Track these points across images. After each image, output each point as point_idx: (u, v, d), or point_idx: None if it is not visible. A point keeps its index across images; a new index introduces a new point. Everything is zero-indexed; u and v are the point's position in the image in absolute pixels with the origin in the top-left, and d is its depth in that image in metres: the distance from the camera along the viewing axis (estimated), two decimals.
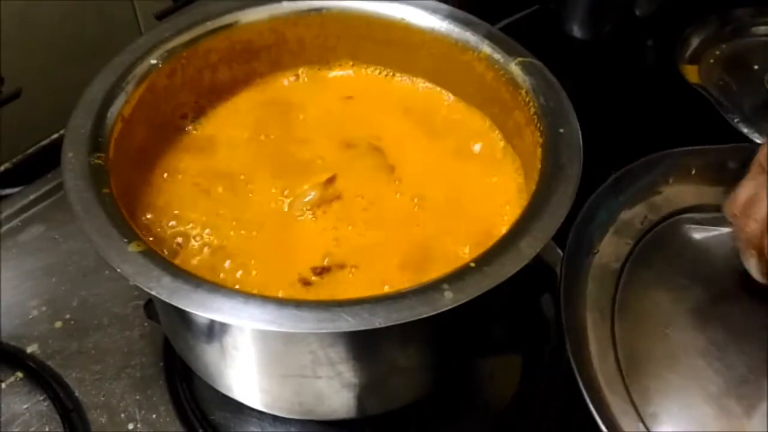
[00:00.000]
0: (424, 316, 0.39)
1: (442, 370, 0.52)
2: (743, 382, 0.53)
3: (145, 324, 0.62)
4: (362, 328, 0.38)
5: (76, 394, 0.59)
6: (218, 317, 0.39)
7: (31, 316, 0.63)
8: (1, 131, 0.79)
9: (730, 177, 0.62)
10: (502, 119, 0.55)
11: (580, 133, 0.49)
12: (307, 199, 0.52)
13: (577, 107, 0.90)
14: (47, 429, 0.56)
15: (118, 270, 0.40)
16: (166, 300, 0.39)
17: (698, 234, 0.62)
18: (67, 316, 0.63)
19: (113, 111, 0.49)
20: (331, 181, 0.53)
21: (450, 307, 0.39)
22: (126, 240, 0.42)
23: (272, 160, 0.55)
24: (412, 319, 0.38)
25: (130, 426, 0.57)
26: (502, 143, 0.56)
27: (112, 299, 0.64)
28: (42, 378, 0.59)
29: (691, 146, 0.64)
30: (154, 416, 0.57)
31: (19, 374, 0.59)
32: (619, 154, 0.70)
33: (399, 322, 0.38)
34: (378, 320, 0.38)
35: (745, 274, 0.57)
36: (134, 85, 0.51)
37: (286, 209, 0.52)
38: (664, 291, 0.58)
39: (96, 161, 0.46)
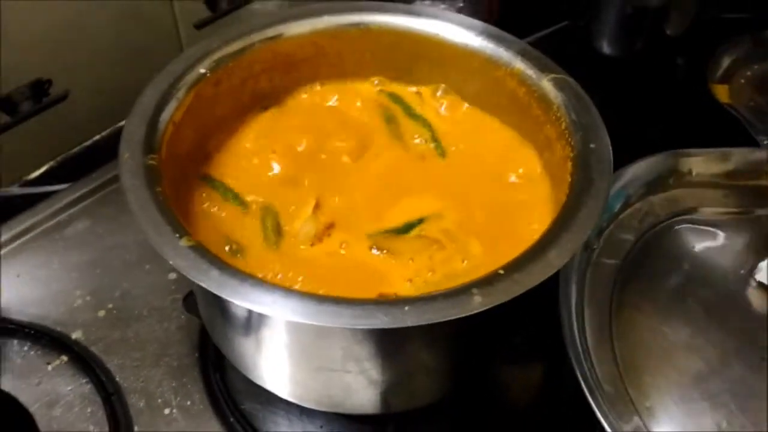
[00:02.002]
0: (453, 317, 0.41)
1: (466, 372, 0.55)
2: (740, 381, 0.55)
3: (182, 316, 0.65)
4: (394, 326, 0.41)
5: (117, 378, 0.62)
6: (260, 309, 0.42)
7: (76, 305, 0.66)
8: (48, 131, 0.83)
9: (730, 179, 0.66)
10: (533, 133, 0.58)
11: (610, 148, 0.51)
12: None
13: (605, 124, 0.92)
14: (89, 410, 0.59)
15: (172, 263, 0.43)
16: (215, 292, 0.42)
17: (698, 235, 0.65)
18: (110, 306, 0.66)
19: (165, 116, 0.53)
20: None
21: (478, 311, 0.41)
22: (178, 235, 0.45)
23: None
24: (442, 320, 0.41)
25: (166, 411, 0.60)
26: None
27: (151, 292, 0.67)
28: (85, 362, 0.62)
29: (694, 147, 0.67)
30: (188, 403, 0.61)
31: (64, 358, 0.62)
32: None
33: (429, 322, 0.41)
34: (410, 319, 0.41)
35: (744, 277, 0.60)
36: (184, 92, 0.55)
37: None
38: (663, 289, 0.60)
39: (150, 162, 0.49)
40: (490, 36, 0.59)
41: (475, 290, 0.42)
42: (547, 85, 0.55)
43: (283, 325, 0.46)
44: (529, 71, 0.56)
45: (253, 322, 0.48)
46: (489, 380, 0.62)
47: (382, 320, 0.41)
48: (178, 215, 0.47)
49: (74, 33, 0.82)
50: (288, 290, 0.42)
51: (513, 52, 0.57)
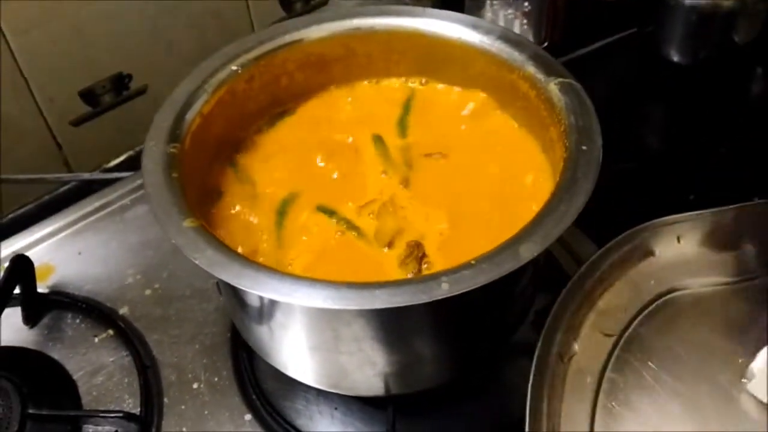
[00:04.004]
0: (420, 302, 0.43)
1: (455, 362, 0.56)
2: None
3: (220, 299, 0.70)
4: (364, 307, 0.44)
5: (154, 353, 0.67)
6: (240, 285, 0.45)
7: (127, 283, 0.72)
8: (127, 123, 0.90)
9: (721, 244, 0.58)
10: (542, 134, 0.59)
11: (601, 151, 0.51)
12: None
13: (669, 130, 0.91)
14: (126, 380, 0.65)
15: (173, 241, 0.48)
16: (206, 268, 0.46)
17: (687, 320, 0.55)
18: (157, 286, 0.72)
19: (194, 109, 0.57)
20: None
21: (445, 296, 0.43)
22: (183, 216, 0.49)
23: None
24: (409, 304, 0.43)
25: (195, 385, 0.65)
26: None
27: (195, 275, 0.72)
28: (128, 337, 0.67)
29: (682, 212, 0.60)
30: (216, 379, 0.65)
31: (110, 331, 0.68)
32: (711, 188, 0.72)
33: (396, 305, 0.43)
34: (379, 302, 0.43)
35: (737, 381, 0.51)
36: (215, 87, 0.59)
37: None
38: (651, 402, 0.51)
39: (172, 150, 0.54)
40: (507, 41, 0.60)
41: (444, 278, 0.44)
42: (553, 88, 0.56)
43: (276, 304, 0.50)
44: (539, 75, 0.57)
45: (253, 302, 0.52)
46: (492, 371, 0.63)
47: (354, 302, 0.44)
48: (188, 199, 0.51)
49: (154, 31, 0.88)
50: (272, 271, 0.46)
51: (526, 56, 0.58)
